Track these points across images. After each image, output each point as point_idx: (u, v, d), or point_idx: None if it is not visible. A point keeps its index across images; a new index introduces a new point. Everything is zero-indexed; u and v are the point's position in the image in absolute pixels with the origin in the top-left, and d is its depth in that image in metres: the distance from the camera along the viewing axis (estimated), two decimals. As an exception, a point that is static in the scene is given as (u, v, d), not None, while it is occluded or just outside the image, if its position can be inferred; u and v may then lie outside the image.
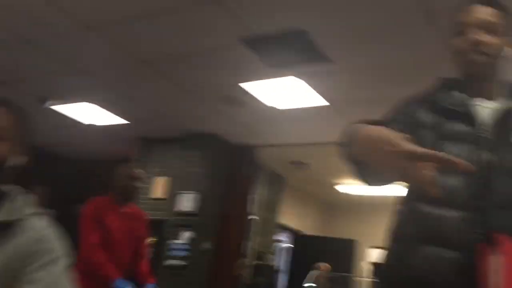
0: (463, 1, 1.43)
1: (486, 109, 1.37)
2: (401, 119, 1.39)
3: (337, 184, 7.95)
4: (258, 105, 5.02)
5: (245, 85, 4.63)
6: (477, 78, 1.40)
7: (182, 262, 5.80)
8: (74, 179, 7.95)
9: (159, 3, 3.47)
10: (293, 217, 8.85)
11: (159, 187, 6.33)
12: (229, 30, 3.71)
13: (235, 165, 6.40)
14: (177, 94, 5.07)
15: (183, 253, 5.83)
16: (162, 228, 6.06)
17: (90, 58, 4.50)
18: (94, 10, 3.67)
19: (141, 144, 6.69)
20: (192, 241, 5.86)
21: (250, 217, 6.86)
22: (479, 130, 1.33)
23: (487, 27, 1.36)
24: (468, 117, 1.35)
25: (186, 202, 6.02)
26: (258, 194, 7.21)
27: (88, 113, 5.92)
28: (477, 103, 1.38)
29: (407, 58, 3.80)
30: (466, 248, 1.22)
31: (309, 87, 4.47)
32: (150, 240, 6.09)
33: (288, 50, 3.86)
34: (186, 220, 5.92)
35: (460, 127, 1.34)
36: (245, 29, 3.65)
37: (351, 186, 7.78)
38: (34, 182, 7.51)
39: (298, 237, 9.01)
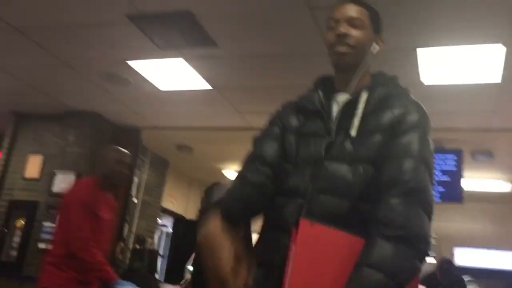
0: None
1: (340, 102, 1.49)
2: (271, 133, 1.55)
3: (222, 168, 8.05)
4: (143, 85, 4.90)
5: (130, 63, 4.49)
6: (343, 69, 1.51)
7: (55, 246, 5.52)
8: None
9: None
10: (177, 202, 8.82)
11: (33, 166, 5.94)
12: (115, 5, 3.56)
13: (117, 146, 6.20)
14: (55, 68, 4.76)
15: (56, 236, 5.54)
16: (35, 210, 5.71)
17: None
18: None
19: (14, 118, 6.21)
20: (68, 223, 5.59)
21: (130, 200, 6.71)
22: (328, 124, 1.45)
23: (353, 22, 1.48)
24: (321, 114, 1.48)
25: (63, 182, 5.71)
26: (140, 177, 7.07)
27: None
28: (337, 98, 1.51)
29: (290, 49, 3.95)
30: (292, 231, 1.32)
31: (195, 70, 4.46)
32: (20, 221, 5.75)
33: (174, 31, 3.81)
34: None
35: (315, 125, 1.48)
36: (132, 6, 3.54)
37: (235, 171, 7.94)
38: None
39: (179, 222, 8.99)
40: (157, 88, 4.95)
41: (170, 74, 4.62)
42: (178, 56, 4.24)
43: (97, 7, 3.62)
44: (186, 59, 4.28)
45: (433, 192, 1.33)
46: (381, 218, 1.25)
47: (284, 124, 1.55)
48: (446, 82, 4.21)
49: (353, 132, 1.40)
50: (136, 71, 4.63)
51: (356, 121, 1.41)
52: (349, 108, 1.46)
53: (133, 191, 6.82)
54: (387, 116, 1.40)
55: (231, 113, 5.48)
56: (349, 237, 1.24)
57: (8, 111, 6.14)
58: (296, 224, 1.24)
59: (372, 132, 1.39)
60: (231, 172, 7.95)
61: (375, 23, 1.54)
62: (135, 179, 6.82)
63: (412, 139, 1.36)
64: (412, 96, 1.50)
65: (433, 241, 1.29)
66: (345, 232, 1.24)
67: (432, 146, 1.40)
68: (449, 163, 5.56)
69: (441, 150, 5.46)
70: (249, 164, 1.52)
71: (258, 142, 1.57)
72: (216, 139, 6.57)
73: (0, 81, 5.25)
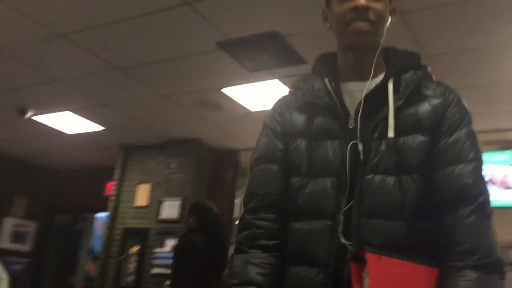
0: None
1: (358, 93, 1.22)
2: (270, 153, 1.28)
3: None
4: (237, 108, 4.98)
5: (224, 90, 4.60)
6: (361, 52, 1.25)
7: (168, 270, 5.73)
8: (55, 188, 7.84)
9: (132, 9, 3.42)
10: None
11: (141, 195, 6.26)
12: (204, 36, 3.66)
13: (218, 170, 6.35)
14: (155, 100, 5.01)
15: (168, 261, 5.76)
16: (146, 237, 6.00)
17: (66, 66, 4.42)
18: (67, 18, 3.60)
19: (122, 151, 6.61)
20: (177, 248, 5.79)
21: (235, 221, 6.81)
22: (347, 121, 1.20)
23: None
24: (334, 109, 1.22)
25: (170, 209, 5.96)
26: (242, 197, 7.16)
27: (68, 122, 5.83)
28: (352, 88, 1.25)
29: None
30: (329, 265, 1.11)
31: (287, 87, 4.43)
32: (134, 248, 6.06)
33: (263, 53, 3.83)
34: (170, 228, 5.85)
35: (328, 121, 1.22)
36: (221, 34, 3.62)
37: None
38: (15, 193, 7.46)
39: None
40: (249, 110, 5.00)
41: (262, 95, 4.64)
42: (269, 77, 4.26)
43: (188, 39, 3.74)
44: (279, 79, 4.28)
45: None
46: (460, 243, 1.06)
47: (285, 129, 1.28)
48: None
49: (391, 133, 1.15)
50: (229, 96, 4.72)
51: (391, 118, 1.16)
52: (372, 101, 1.19)
53: (235, 213, 6.91)
54: (425, 110, 1.18)
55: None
56: (423, 268, 1.07)
57: (117, 145, 6.55)
58: (354, 257, 1.06)
59: (412, 131, 1.16)
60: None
61: None
62: (236, 201, 6.91)
63: (463, 138, 1.16)
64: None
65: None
66: (416, 262, 1.06)
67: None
68: None
69: None
70: (251, 213, 1.25)
71: (256, 174, 1.29)
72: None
73: (108, 117, 5.63)
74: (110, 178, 6.65)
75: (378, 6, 1.20)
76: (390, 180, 1.13)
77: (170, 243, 5.77)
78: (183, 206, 5.86)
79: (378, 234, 1.10)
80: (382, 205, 1.12)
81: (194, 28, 3.57)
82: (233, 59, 3.96)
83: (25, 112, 5.40)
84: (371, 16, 1.19)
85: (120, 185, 6.50)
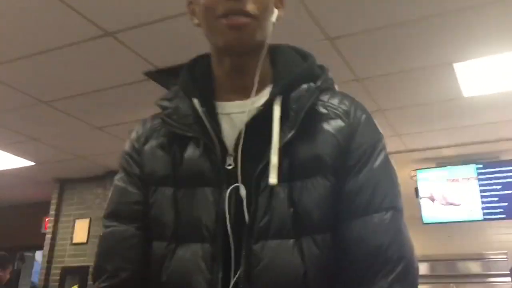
0: None
1: (239, 117, 0.91)
2: (123, 206, 0.96)
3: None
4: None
5: (158, 119, 4.45)
6: (239, 55, 0.92)
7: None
8: (-13, 228, 7.38)
9: (53, 41, 3.23)
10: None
11: (80, 231, 5.95)
12: (131, 66, 3.51)
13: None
14: (88, 132, 4.79)
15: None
16: (86, 275, 5.68)
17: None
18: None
19: (58, 185, 6.29)
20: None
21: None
22: (224, 160, 0.87)
23: None
24: (206, 143, 0.89)
25: (110, 244, 5.68)
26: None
27: (-4, 158, 5.50)
28: (227, 109, 0.93)
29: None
30: None
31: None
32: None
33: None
34: (111, 264, 5.57)
35: (199, 160, 0.88)
36: (147, 63, 3.48)
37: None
38: None
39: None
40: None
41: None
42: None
43: (114, 69, 3.59)
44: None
45: None
46: None
47: (144, 170, 0.95)
48: (489, 92, 3.89)
49: (273, 179, 0.83)
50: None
51: (275, 157, 0.83)
52: (256, 130, 0.87)
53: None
54: (325, 139, 0.87)
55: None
56: None
57: (52, 179, 6.23)
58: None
59: (311, 173, 0.85)
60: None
61: None
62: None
63: (376, 175, 0.87)
64: (337, 87, 0.98)
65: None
66: None
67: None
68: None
69: (499, 162, 5.05)
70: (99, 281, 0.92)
71: (104, 240, 0.96)
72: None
73: (39, 151, 5.33)
74: (46, 214, 6.30)
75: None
76: (287, 246, 0.82)
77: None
78: (124, 240, 5.60)
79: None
80: (278, 282, 0.81)
81: (119, 59, 3.42)
82: (164, 89, 3.82)
83: None
84: (250, 8, 0.87)
85: (56, 221, 6.17)
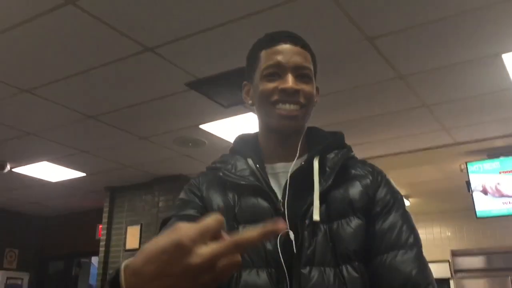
0: (266, 34, 1.20)
1: (283, 174, 1.12)
2: (190, 217, 1.06)
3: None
4: (219, 142, 4.88)
5: (203, 126, 4.50)
6: (285, 134, 1.14)
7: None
8: (46, 237, 7.69)
9: (96, 60, 3.33)
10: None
11: (131, 237, 6.11)
12: (171, 78, 3.57)
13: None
14: (134, 143, 4.91)
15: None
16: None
17: (35, 119, 4.32)
18: (31, 73, 3.51)
19: (108, 194, 6.48)
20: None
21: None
22: (277, 205, 1.05)
23: (301, 72, 1.11)
24: (261, 191, 1.08)
25: (161, 249, 5.80)
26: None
27: (50, 171, 5.71)
28: (277, 169, 1.14)
29: (356, 83, 3.71)
30: None
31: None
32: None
33: (236, 89, 3.74)
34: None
35: (257, 204, 1.07)
36: (188, 75, 3.53)
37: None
38: (5, 245, 7.31)
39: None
40: (231, 143, 4.89)
41: (241, 127, 4.54)
42: (246, 111, 4.15)
43: (156, 82, 3.66)
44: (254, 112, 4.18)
45: None
46: None
47: (209, 205, 1.10)
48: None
49: (316, 216, 1.02)
50: (208, 132, 4.62)
51: (317, 200, 1.04)
52: (298, 183, 1.07)
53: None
54: (356, 190, 1.09)
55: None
56: None
57: (103, 187, 6.42)
58: None
59: (346, 214, 1.05)
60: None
61: (315, 68, 1.19)
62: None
63: (399, 221, 1.07)
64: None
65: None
66: None
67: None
68: None
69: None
70: None
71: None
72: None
73: (88, 163, 5.52)
74: (100, 221, 6.51)
75: (307, 88, 1.12)
76: (329, 272, 1.00)
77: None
78: (174, 245, 5.71)
79: None
80: None
81: (160, 72, 3.48)
82: (205, 97, 3.87)
83: (3, 167, 5.28)
84: (301, 99, 1.10)
85: (109, 228, 6.36)
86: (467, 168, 5.09)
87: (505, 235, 6.60)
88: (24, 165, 5.46)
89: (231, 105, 3.99)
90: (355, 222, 1.05)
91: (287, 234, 1.01)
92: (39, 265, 7.76)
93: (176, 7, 2.77)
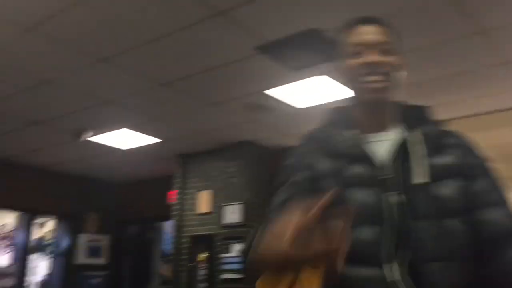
0: (348, 19, 1.37)
1: (383, 143, 1.27)
2: (299, 183, 1.25)
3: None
4: (287, 108, 4.85)
5: (271, 91, 4.48)
6: (376, 104, 1.30)
7: (237, 275, 5.73)
8: (122, 202, 8.08)
9: (166, 27, 3.38)
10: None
11: (203, 202, 6.29)
12: (241, 42, 3.56)
13: (274, 169, 6.25)
14: (204, 109, 4.98)
15: (236, 266, 5.75)
16: (212, 243, 6.02)
17: (111, 88, 4.47)
18: (105, 43, 3.62)
19: (180, 160, 6.67)
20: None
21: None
22: (380, 170, 1.21)
23: (382, 48, 1.28)
24: (366, 158, 1.23)
25: (232, 213, 5.94)
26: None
27: (124, 138, 5.95)
28: (373, 138, 1.28)
29: (438, 39, 3.52)
30: None
31: (334, 81, 4.24)
32: (202, 255, 6.11)
33: (306, 51, 3.67)
34: (234, 232, 5.83)
35: (360, 170, 1.22)
36: (259, 38, 3.50)
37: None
38: (86, 209, 7.76)
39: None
40: (298, 107, 4.85)
41: (310, 91, 4.48)
42: (317, 73, 4.08)
43: (225, 47, 3.66)
44: (327, 74, 4.09)
45: None
46: None
47: (312, 168, 1.25)
48: None
49: (426, 178, 1.18)
50: (275, 97, 4.59)
51: (426, 166, 1.20)
52: (400, 152, 1.23)
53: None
54: (452, 157, 1.24)
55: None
56: None
57: (174, 154, 6.61)
58: None
59: (445, 177, 1.21)
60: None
61: (399, 44, 1.34)
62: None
63: (494, 182, 1.25)
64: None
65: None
66: None
67: None
68: None
69: None
70: None
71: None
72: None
73: (162, 130, 5.69)
74: (170, 187, 6.73)
75: (389, 59, 1.27)
76: (432, 226, 1.14)
77: (235, 248, 5.77)
78: (245, 210, 5.83)
79: (443, 278, 1.10)
80: (440, 249, 1.12)
81: (230, 37, 3.48)
82: (275, 61, 3.83)
83: (80, 135, 5.56)
84: (384, 69, 1.26)
85: (181, 194, 6.57)
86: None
87: None
88: (101, 133, 5.70)
89: (302, 68, 3.93)
90: (455, 183, 1.20)
91: (398, 195, 1.17)
92: (117, 229, 8.19)
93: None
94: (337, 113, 1.38)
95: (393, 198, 1.16)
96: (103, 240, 7.97)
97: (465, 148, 1.28)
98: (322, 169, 1.24)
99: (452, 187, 1.19)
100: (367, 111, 1.31)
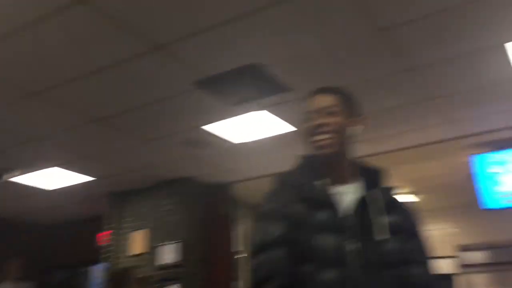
0: (310, 92, 1.61)
1: (347, 195, 1.47)
2: (278, 238, 1.42)
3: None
4: (224, 143, 4.85)
5: (208, 127, 4.47)
6: (327, 159, 1.51)
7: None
8: (48, 245, 7.62)
9: (100, 61, 3.31)
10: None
11: (137, 242, 6.06)
12: (179, 77, 3.55)
13: (213, 206, 6.19)
14: (139, 145, 4.87)
15: (173, 309, 5.53)
16: (147, 285, 5.77)
17: (39, 124, 4.28)
18: (34, 77, 3.48)
19: (112, 199, 6.43)
20: (181, 293, 5.58)
21: (236, 256, 6.62)
22: (343, 220, 1.42)
23: (327, 111, 1.52)
24: (331, 207, 1.43)
25: (168, 253, 5.76)
26: (241, 230, 6.99)
27: (52, 177, 5.66)
28: (338, 189, 1.48)
29: (367, 76, 3.70)
30: None
31: (273, 116, 4.32)
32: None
33: (244, 86, 3.72)
34: (171, 273, 5.64)
35: (325, 217, 1.42)
36: (197, 73, 3.51)
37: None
38: (7, 255, 7.22)
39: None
40: (236, 143, 4.87)
41: (248, 126, 4.52)
42: (256, 108, 4.13)
43: (162, 82, 3.64)
44: (267, 108, 4.15)
45: None
46: None
47: (291, 216, 1.44)
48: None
49: (387, 235, 1.41)
50: (213, 133, 4.59)
51: (386, 222, 1.44)
52: (361, 205, 1.45)
53: (239, 246, 6.72)
54: (399, 217, 1.49)
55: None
56: None
57: (106, 193, 6.37)
58: None
59: (393, 234, 1.43)
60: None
61: (349, 106, 1.56)
62: (238, 234, 6.72)
63: (424, 242, 1.52)
64: None
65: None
66: None
67: None
68: None
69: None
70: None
71: (266, 251, 1.42)
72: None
73: (94, 168, 5.48)
74: (100, 228, 6.45)
75: (334, 120, 1.51)
76: (379, 275, 1.37)
77: (171, 289, 5.58)
78: (182, 249, 5.67)
79: None
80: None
81: (167, 71, 3.46)
82: (213, 96, 3.84)
83: (1, 176, 5.24)
84: (329, 128, 1.49)
85: (114, 234, 6.30)
86: (472, 161, 5.09)
87: (511, 228, 6.60)
88: (30, 172, 5.40)
89: (240, 103, 3.96)
90: (397, 240, 1.43)
91: (355, 243, 1.38)
92: (42, 275, 7.68)
93: (182, 6, 2.76)
94: (306, 161, 1.57)
95: (352, 245, 1.37)
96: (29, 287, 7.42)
97: (406, 211, 1.54)
98: (293, 213, 1.42)
99: (395, 243, 1.42)
100: (324, 165, 1.51)
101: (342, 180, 1.50)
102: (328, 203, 1.43)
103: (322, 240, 1.37)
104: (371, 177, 1.54)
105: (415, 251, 1.47)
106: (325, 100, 1.54)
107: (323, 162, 1.52)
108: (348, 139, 1.53)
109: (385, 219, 1.43)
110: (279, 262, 1.37)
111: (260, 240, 1.44)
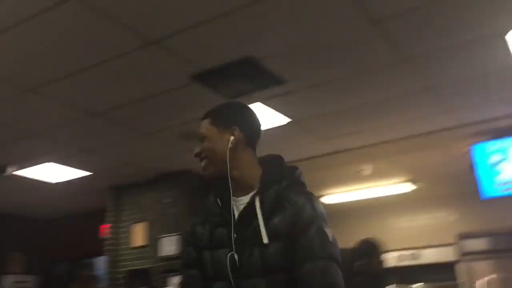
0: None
1: (240, 207, 1.53)
2: (190, 261, 1.60)
3: (322, 195, 7.78)
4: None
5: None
6: (216, 178, 1.58)
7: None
8: (50, 239, 7.66)
9: (99, 56, 3.29)
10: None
11: (138, 235, 6.09)
12: (175, 71, 3.54)
13: (213, 198, 6.19)
14: (138, 139, 4.87)
15: (175, 299, 5.57)
16: (149, 277, 5.81)
17: (39, 119, 4.28)
18: (33, 73, 3.47)
19: (112, 192, 6.45)
20: (182, 285, 5.60)
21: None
22: (230, 231, 1.50)
23: (199, 138, 1.62)
24: (225, 221, 1.53)
25: (169, 245, 5.79)
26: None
27: (53, 172, 5.67)
28: (237, 203, 1.54)
29: (359, 68, 3.68)
30: None
31: (268, 108, 4.30)
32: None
33: (241, 79, 3.71)
34: (172, 265, 5.67)
35: (223, 232, 1.53)
36: (193, 66, 3.49)
37: (335, 196, 7.59)
38: (10, 249, 7.27)
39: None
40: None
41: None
42: (250, 101, 4.11)
43: (160, 76, 3.64)
44: (261, 101, 4.14)
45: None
46: None
47: (196, 242, 1.59)
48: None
49: (265, 240, 1.43)
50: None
51: (263, 229, 1.45)
52: (246, 215, 1.50)
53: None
54: (283, 220, 1.45)
55: (311, 142, 5.25)
56: None
57: (107, 186, 6.39)
58: None
59: (273, 239, 1.43)
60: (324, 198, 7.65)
61: (219, 124, 1.59)
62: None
63: (313, 238, 1.43)
64: (302, 178, 1.60)
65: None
66: None
67: (331, 235, 1.46)
68: None
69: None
70: None
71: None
72: (307, 169, 6.34)
73: (93, 163, 5.48)
74: (102, 221, 6.47)
75: (204, 145, 1.59)
76: (261, 282, 1.42)
77: (174, 281, 5.60)
78: (183, 241, 5.69)
79: None
80: None
81: (163, 65, 3.45)
82: (210, 89, 3.83)
83: (4, 170, 5.24)
84: (203, 154, 1.59)
85: (115, 227, 6.33)
86: (472, 150, 5.07)
87: (511, 216, 6.60)
88: (28, 167, 5.41)
89: (236, 96, 3.96)
90: (277, 245, 1.43)
91: (233, 255, 1.47)
92: (46, 268, 7.73)
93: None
94: (215, 186, 1.64)
95: (233, 257, 1.46)
96: (30, 281, 7.49)
97: (299, 208, 1.46)
98: (202, 238, 1.57)
99: (276, 248, 1.42)
100: (221, 184, 1.57)
101: (243, 193, 1.54)
102: (224, 218, 1.53)
103: (217, 256, 1.50)
104: (270, 179, 1.54)
105: (305, 248, 1.41)
106: (200, 127, 1.62)
107: (215, 183, 1.60)
108: (230, 154, 1.54)
109: (268, 224, 1.45)
110: (194, 279, 1.56)
111: (180, 261, 1.67)
